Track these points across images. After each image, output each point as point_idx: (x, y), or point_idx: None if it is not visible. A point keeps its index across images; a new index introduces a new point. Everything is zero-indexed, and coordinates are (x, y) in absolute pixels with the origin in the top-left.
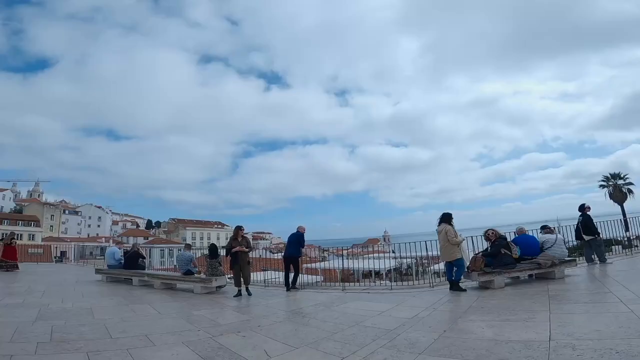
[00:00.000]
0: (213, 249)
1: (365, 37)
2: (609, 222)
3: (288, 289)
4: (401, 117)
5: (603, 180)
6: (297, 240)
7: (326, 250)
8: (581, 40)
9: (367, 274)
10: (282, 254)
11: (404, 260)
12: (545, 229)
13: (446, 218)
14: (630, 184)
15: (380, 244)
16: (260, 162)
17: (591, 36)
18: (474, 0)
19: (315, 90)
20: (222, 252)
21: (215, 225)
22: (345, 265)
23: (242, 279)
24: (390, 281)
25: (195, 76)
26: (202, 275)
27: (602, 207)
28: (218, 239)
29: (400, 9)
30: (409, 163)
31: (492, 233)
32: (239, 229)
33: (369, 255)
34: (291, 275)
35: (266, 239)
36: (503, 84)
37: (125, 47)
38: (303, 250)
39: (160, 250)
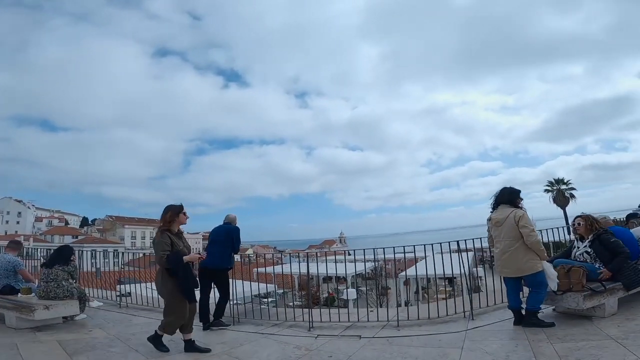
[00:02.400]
0: (64, 251)
1: (328, 41)
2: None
3: (207, 326)
4: (358, 121)
5: (548, 185)
6: (226, 239)
7: (282, 252)
8: (523, 56)
9: (328, 279)
10: (237, 258)
11: (371, 264)
12: (632, 219)
13: (512, 197)
14: (573, 189)
15: (336, 245)
16: (215, 160)
17: (532, 52)
18: (431, 14)
19: (275, 91)
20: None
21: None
22: (305, 270)
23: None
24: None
25: (148, 69)
26: (31, 297)
27: (544, 211)
28: None
29: (364, 16)
30: (364, 166)
31: (590, 222)
32: (178, 211)
33: (328, 256)
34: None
35: None
36: (452, 94)
37: (72, 35)
38: (237, 257)
39: (91, 251)
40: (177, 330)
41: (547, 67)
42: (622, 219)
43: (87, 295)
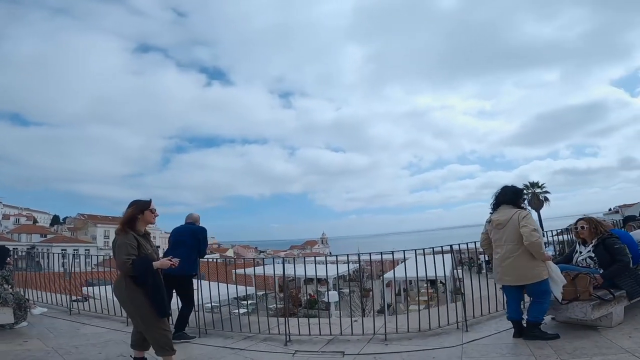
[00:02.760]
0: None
1: (314, 41)
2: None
3: None
4: (342, 122)
5: (523, 189)
6: (191, 241)
7: (263, 252)
8: (502, 62)
9: (309, 281)
10: (217, 258)
11: (354, 266)
12: (630, 222)
13: (515, 196)
14: (547, 192)
15: (318, 245)
16: (195, 158)
17: (511, 58)
18: (417, 18)
19: (259, 90)
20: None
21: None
22: (285, 271)
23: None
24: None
25: (128, 65)
26: None
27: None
28: None
29: (351, 18)
30: (346, 168)
31: (594, 226)
32: (144, 207)
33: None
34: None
35: None
36: (433, 98)
37: (50, 29)
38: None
39: (61, 251)
40: (131, 348)
41: (524, 73)
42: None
43: (29, 301)
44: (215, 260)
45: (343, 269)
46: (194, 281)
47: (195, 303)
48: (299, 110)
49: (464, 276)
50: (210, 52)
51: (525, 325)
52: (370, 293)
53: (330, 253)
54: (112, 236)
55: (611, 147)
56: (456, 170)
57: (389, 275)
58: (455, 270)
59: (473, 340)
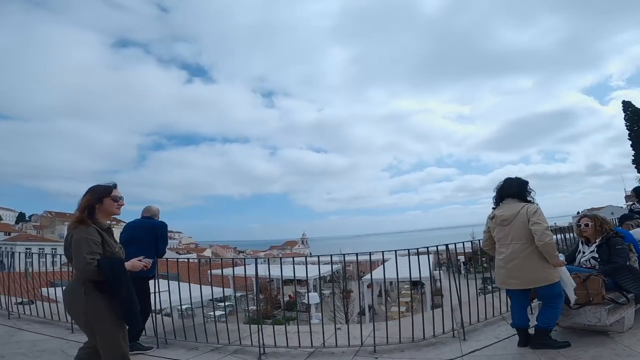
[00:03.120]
0: None
1: (299, 42)
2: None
3: None
4: (324, 123)
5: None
6: (148, 238)
7: (242, 252)
8: (481, 68)
9: (289, 281)
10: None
11: (335, 266)
12: (628, 221)
13: (521, 189)
14: None
15: (298, 246)
16: (173, 156)
17: (489, 64)
18: (401, 23)
19: (241, 89)
20: None
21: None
22: (263, 272)
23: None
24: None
25: (105, 59)
26: None
27: None
28: None
29: (336, 20)
30: (327, 169)
31: (600, 223)
32: (102, 194)
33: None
34: None
35: (174, 238)
36: (414, 102)
37: (25, 22)
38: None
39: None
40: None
41: (501, 79)
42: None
43: None
44: (187, 260)
45: (324, 269)
46: (165, 284)
47: (155, 308)
48: (282, 110)
49: (454, 278)
50: (192, 48)
51: (533, 332)
52: (352, 295)
53: (311, 254)
54: None
55: (579, 153)
56: (434, 173)
57: (369, 276)
58: (436, 271)
59: (474, 351)
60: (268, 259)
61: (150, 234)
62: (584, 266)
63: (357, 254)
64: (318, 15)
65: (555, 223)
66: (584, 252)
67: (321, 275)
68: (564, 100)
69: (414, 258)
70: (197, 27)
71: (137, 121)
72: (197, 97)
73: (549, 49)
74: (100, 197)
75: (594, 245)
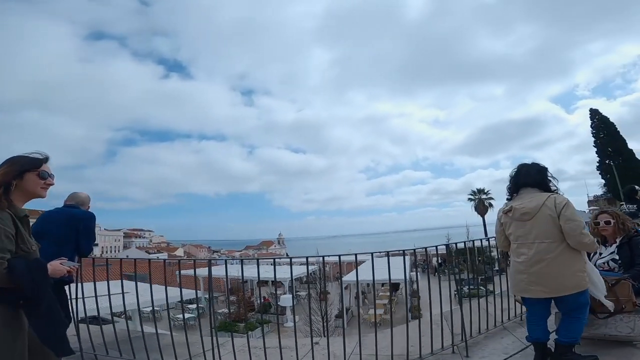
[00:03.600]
0: None
1: (282, 42)
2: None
3: None
4: (303, 123)
5: (471, 195)
6: (65, 231)
7: (216, 252)
8: (458, 74)
9: (263, 283)
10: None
11: (312, 267)
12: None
13: (542, 176)
14: (492, 198)
15: (275, 246)
16: (146, 152)
17: (466, 71)
18: (383, 27)
19: (220, 86)
20: None
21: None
22: (236, 273)
23: None
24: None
25: (77, 51)
26: None
27: (463, 218)
28: None
29: (321, 21)
30: (305, 169)
31: (622, 222)
32: (23, 167)
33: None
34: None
35: (145, 237)
36: (392, 105)
37: None
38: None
39: None
40: None
41: (476, 86)
42: None
43: None
44: (147, 260)
45: (300, 271)
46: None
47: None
48: (261, 109)
49: (451, 282)
50: (171, 43)
51: (554, 347)
52: (329, 297)
53: (287, 254)
54: None
55: (545, 160)
56: (410, 176)
57: (346, 278)
58: (412, 273)
59: None
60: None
61: (68, 227)
62: (601, 269)
63: (339, 256)
64: (302, 16)
65: None
66: (600, 254)
67: (297, 277)
68: (532, 108)
69: (392, 259)
70: (178, 22)
71: (107, 115)
72: (174, 92)
73: (521, 58)
74: (22, 170)
75: (614, 245)
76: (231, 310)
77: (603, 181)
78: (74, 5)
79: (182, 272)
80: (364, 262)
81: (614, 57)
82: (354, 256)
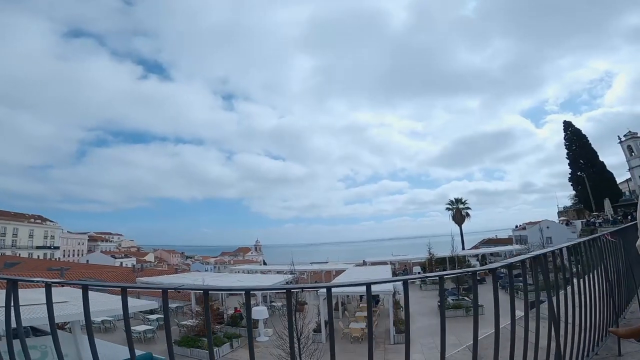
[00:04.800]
0: None
1: (266, 48)
2: None
3: None
4: (283, 130)
5: (449, 204)
6: None
7: (190, 257)
8: (436, 86)
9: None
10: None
11: (288, 277)
12: None
13: None
14: (469, 208)
15: (252, 253)
16: (119, 153)
17: (443, 83)
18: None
19: (200, 89)
20: None
21: (32, 219)
22: (211, 283)
23: None
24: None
25: (52, 48)
26: None
27: (439, 228)
28: (31, 237)
29: (306, 28)
30: (284, 176)
31: None
32: None
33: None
34: None
35: (111, 241)
36: (372, 115)
37: None
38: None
39: None
40: None
41: (453, 98)
42: None
43: None
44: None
45: (278, 279)
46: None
47: None
48: (241, 114)
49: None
50: (152, 44)
51: None
52: (305, 307)
53: (264, 261)
54: (9, 232)
55: (515, 172)
56: (388, 186)
57: (324, 291)
58: (397, 284)
59: None
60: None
61: None
62: None
63: (326, 263)
64: (287, 23)
65: (496, 235)
66: None
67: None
68: (505, 122)
69: (373, 269)
70: (161, 23)
71: (80, 115)
72: (152, 94)
73: (496, 72)
74: None
75: None
76: (195, 323)
77: (574, 192)
78: (55, 1)
79: (145, 279)
80: (343, 271)
81: (583, 72)
82: (334, 265)
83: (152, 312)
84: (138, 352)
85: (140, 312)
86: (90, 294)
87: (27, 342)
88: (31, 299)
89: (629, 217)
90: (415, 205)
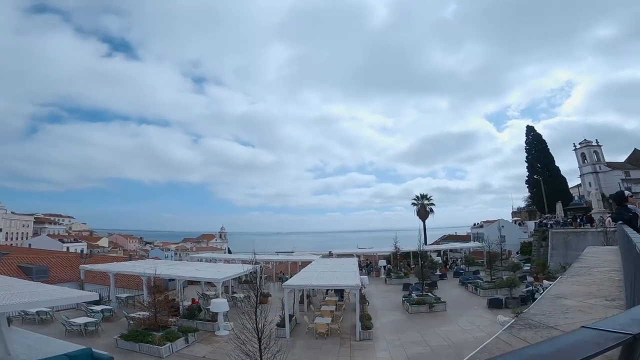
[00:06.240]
0: None
1: (243, 33)
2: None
3: None
4: (254, 117)
5: (414, 199)
6: None
7: (149, 243)
8: (408, 85)
9: (191, 283)
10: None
11: (252, 267)
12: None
13: None
14: (433, 204)
15: (216, 240)
16: (73, 131)
17: (415, 82)
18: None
19: (170, 71)
20: None
21: None
22: (165, 271)
23: None
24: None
25: (12, 23)
26: None
27: (403, 222)
28: None
29: (285, 17)
30: (252, 163)
31: None
32: None
33: (204, 253)
34: None
35: (60, 224)
36: (345, 109)
37: None
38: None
39: None
40: None
41: (423, 98)
42: None
43: None
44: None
45: (242, 269)
46: None
47: None
48: (211, 98)
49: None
50: (121, 22)
51: None
52: (269, 299)
53: (229, 249)
54: None
55: (474, 173)
56: (355, 178)
57: (292, 282)
58: (364, 277)
59: None
60: (180, 252)
61: None
62: None
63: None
64: (266, 10)
65: (455, 232)
66: None
67: (235, 277)
68: (469, 124)
69: (339, 261)
70: (133, 1)
71: (33, 90)
72: (115, 72)
73: (466, 75)
74: None
75: None
76: (144, 315)
77: (529, 194)
78: None
79: (90, 267)
80: (310, 262)
81: (546, 81)
82: (300, 256)
83: (97, 302)
84: (76, 347)
85: (84, 303)
86: (24, 282)
87: None
88: None
89: (577, 219)
90: (381, 199)
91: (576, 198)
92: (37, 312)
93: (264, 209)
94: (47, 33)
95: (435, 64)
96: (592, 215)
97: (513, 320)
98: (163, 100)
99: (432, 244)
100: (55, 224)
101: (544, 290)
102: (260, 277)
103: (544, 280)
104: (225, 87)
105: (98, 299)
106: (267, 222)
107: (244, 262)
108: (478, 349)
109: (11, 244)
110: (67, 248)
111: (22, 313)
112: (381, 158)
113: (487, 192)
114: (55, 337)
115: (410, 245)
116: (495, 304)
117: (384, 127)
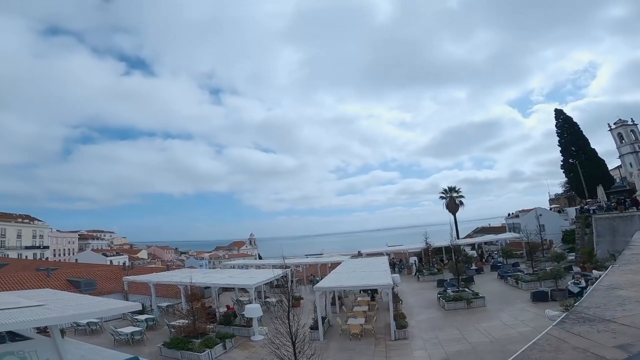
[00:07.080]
0: None
1: (251, 40)
2: None
3: None
4: (272, 123)
5: (442, 193)
6: None
7: (184, 253)
8: (422, 77)
9: (226, 290)
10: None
11: (282, 271)
12: None
13: None
14: (462, 197)
15: (246, 247)
16: (105, 150)
17: (430, 74)
18: (353, 29)
19: (186, 84)
20: None
21: (19, 219)
22: (200, 280)
23: None
24: None
25: (30, 47)
26: None
27: (431, 217)
28: (19, 237)
29: (291, 21)
30: (274, 169)
31: None
32: None
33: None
34: None
35: (103, 239)
36: (361, 107)
37: None
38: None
39: None
40: None
41: (439, 89)
42: None
43: None
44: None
45: (270, 275)
46: None
47: None
48: (229, 108)
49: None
50: (133, 40)
51: None
52: (301, 302)
53: (259, 255)
54: None
55: (503, 161)
56: (379, 176)
57: (322, 284)
58: (395, 275)
59: None
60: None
61: None
62: None
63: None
64: (272, 15)
65: (489, 223)
66: None
67: (266, 282)
68: (491, 112)
69: (369, 260)
70: (141, 18)
71: (62, 112)
72: (136, 90)
73: (481, 63)
74: None
75: None
76: (184, 322)
77: (565, 180)
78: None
79: (132, 278)
80: (339, 263)
81: (566, 63)
82: (330, 257)
83: (141, 312)
84: (125, 356)
85: (130, 312)
86: (74, 295)
87: (3, 348)
88: (6, 302)
89: (622, 203)
90: (407, 195)
91: (618, 180)
92: (88, 323)
93: (291, 212)
94: (65, 55)
95: (447, 54)
96: (638, 198)
97: (564, 314)
98: (184, 113)
99: (464, 238)
100: (98, 239)
101: (586, 284)
102: (291, 281)
103: (593, 270)
104: (241, 95)
105: (141, 308)
106: (294, 225)
107: (274, 267)
108: (527, 345)
109: (59, 260)
110: (111, 261)
111: (74, 324)
112: (403, 154)
113: (519, 180)
114: (105, 347)
115: (441, 240)
116: (540, 297)
117: (403, 122)
